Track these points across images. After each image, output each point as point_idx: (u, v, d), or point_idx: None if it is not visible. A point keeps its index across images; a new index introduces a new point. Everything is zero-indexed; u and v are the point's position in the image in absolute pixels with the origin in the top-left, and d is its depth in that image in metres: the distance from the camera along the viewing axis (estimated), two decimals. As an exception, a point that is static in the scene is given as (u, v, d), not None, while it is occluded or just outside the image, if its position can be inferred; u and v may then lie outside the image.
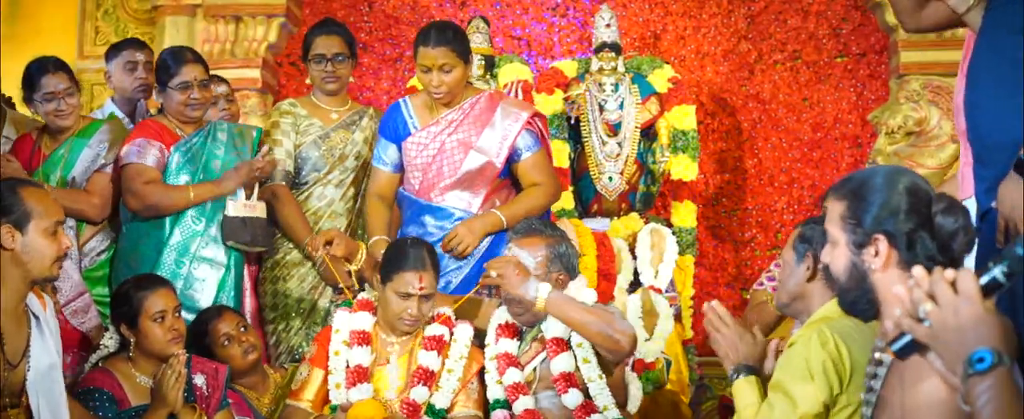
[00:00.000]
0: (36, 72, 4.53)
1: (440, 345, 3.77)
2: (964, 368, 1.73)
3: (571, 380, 3.61)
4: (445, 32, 4.24)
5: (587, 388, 3.61)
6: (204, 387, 3.80)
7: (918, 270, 1.86)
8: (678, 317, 5.51)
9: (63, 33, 6.91)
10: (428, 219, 4.36)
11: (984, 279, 1.78)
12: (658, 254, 5.45)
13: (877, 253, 2.19)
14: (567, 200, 5.76)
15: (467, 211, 4.33)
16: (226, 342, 4.07)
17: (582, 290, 3.78)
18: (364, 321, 3.85)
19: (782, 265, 2.98)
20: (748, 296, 4.54)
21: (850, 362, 2.56)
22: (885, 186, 2.23)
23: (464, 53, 4.27)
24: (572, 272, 3.81)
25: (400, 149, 4.40)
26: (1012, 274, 1.79)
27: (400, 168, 4.45)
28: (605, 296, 5.36)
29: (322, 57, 4.69)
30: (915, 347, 1.87)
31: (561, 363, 3.63)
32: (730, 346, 2.90)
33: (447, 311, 3.88)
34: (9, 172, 4.21)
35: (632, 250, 5.55)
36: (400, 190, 4.49)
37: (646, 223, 5.68)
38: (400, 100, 4.51)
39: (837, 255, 2.29)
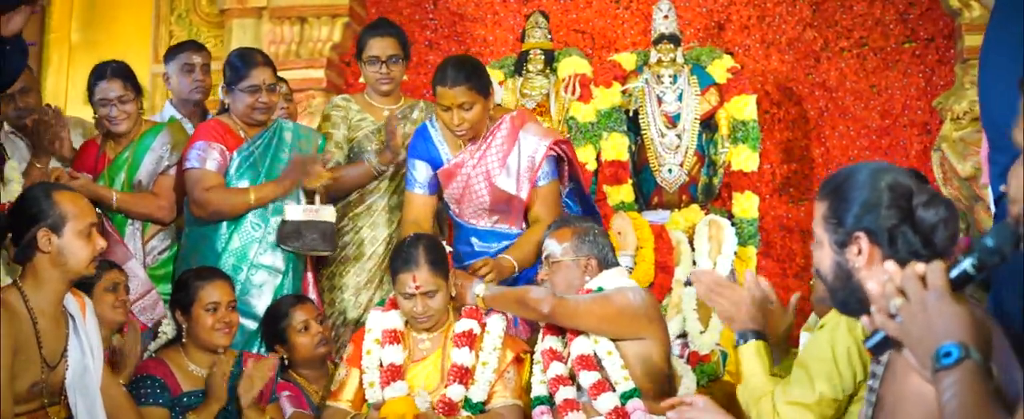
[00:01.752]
0: (94, 77, 4.63)
1: (471, 340, 3.80)
2: (932, 362, 1.71)
3: (586, 362, 3.69)
4: (462, 70, 4.17)
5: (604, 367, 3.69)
6: (257, 379, 3.93)
7: (890, 265, 1.86)
8: (738, 309, 5.46)
9: (138, 37, 7.08)
10: (474, 240, 4.42)
11: (954, 272, 1.77)
12: (716, 245, 5.41)
13: (860, 251, 2.18)
14: (627, 193, 5.74)
15: (511, 226, 4.36)
16: (302, 329, 4.19)
17: (619, 278, 3.88)
18: (395, 320, 3.90)
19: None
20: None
21: None
22: (865, 184, 2.22)
23: (483, 89, 4.19)
24: (604, 261, 3.89)
25: (433, 170, 4.39)
26: (982, 266, 1.77)
27: (433, 189, 4.43)
28: (662, 288, 5.36)
29: (376, 59, 4.72)
30: (889, 344, 1.86)
31: (579, 346, 3.72)
32: (734, 308, 2.85)
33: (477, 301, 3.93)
34: (77, 187, 4.36)
35: (692, 242, 5.52)
36: (447, 211, 4.53)
37: (706, 214, 5.64)
38: (425, 123, 4.46)
39: (822, 256, 2.28)
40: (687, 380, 4.86)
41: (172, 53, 5.18)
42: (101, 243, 3.27)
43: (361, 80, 4.89)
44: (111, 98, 4.57)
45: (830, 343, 2.59)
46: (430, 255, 3.79)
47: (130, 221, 4.60)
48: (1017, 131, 1.50)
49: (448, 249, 4.01)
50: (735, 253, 5.51)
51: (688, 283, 5.31)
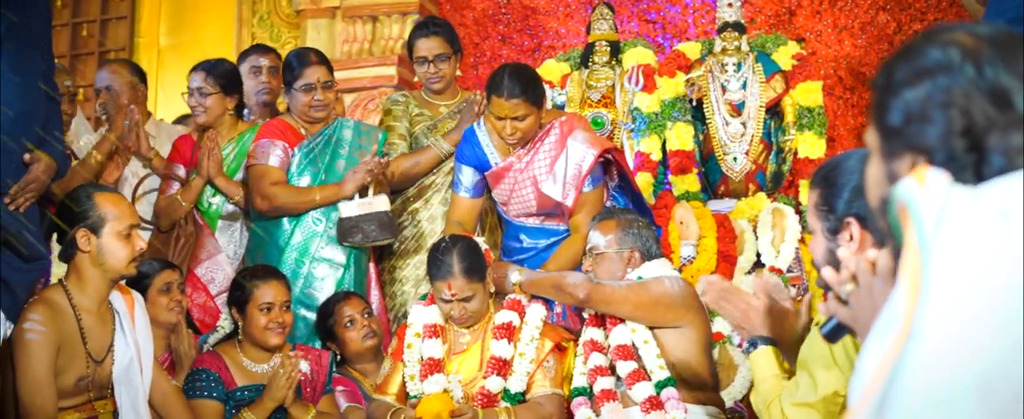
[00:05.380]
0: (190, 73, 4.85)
1: (510, 332, 3.84)
2: None
3: (624, 351, 3.71)
4: (518, 82, 4.16)
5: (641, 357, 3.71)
6: (309, 373, 4.03)
7: (843, 252, 1.86)
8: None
9: (222, 41, 7.28)
10: (522, 236, 4.46)
11: None
12: (779, 233, 5.37)
13: (851, 237, 2.17)
14: (693, 182, 5.73)
15: (559, 224, 4.39)
16: (349, 324, 4.26)
17: (660, 268, 3.89)
18: (436, 314, 3.96)
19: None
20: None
21: None
22: (855, 169, 2.21)
23: (538, 100, 4.21)
24: (647, 253, 3.90)
25: (481, 174, 4.44)
26: None
27: (479, 193, 4.49)
28: (725, 278, 5.31)
29: (424, 60, 4.77)
30: (843, 330, 1.87)
31: (618, 336, 3.74)
32: (742, 317, 2.85)
33: (517, 295, 3.96)
34: (213, 165, 4.59)
35: (756, 231, 5.48)
36: (496, 208, 4.59)
37: (772, 202, 5.59)
38: (472, 127, 4.49)
39: (816, 244, 2.29)
40: (743, 369, 4.86)
41: (242, 57, 5.32)
42: (141, 244, 3.38)
43: (416, 79, 4.95)
44: (192, 89, 4.77)
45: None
46: (464, 262, 3.83)
47: (222, 216, 4.76)
48: (868, 132, 1.52)
49: (485, 246, 4.06)
50: (802, 240, 5.45)
51: (749, 272, 5.30)
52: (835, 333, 1.88)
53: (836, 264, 2.21)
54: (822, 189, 2.27)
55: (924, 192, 1.25)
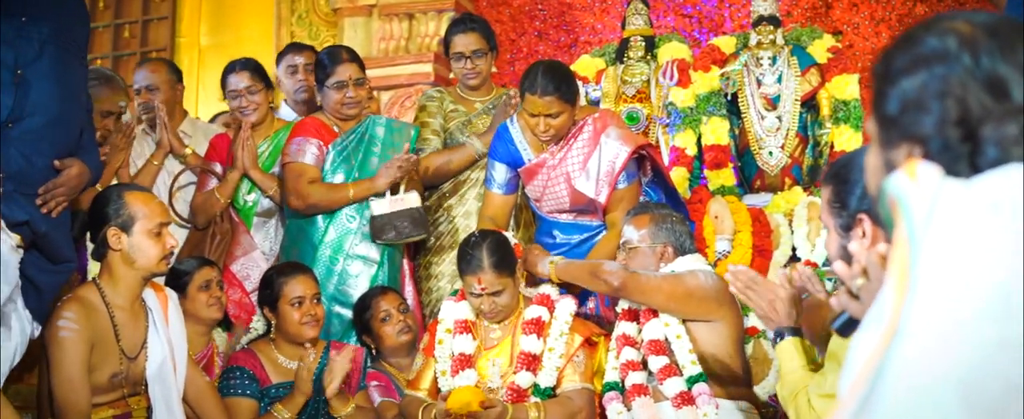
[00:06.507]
0: (225, 73, 4.87)
1: (539, 327, 3.85)
2: None
3: (657, 346, 3.71)
4: (552, 80, 4.13)
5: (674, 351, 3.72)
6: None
7: (853, 246, 1.86)
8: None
9: (262, 40, 7.34)
10: (556, 232, 4.46)
11: None
12: (815, 227, 5.34)
13: (864, 233, 2.17)
14: (728, 177, 5.71)
15: (593, 219, 4.39)
16: (385, 318, 4.29)
17: (693, 263, 3.89)
18: (467, 310, 3.99)
19: None
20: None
21: None
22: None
23: (571, 97, 4.19)
24: (680, 248, 3.90)
25: (514, 171, 4.45)
26: None
27: (512, 189, 4.50)
28: (761, 272, 5.29)
29: (461, 55, 4.79)
30: (855, 324, 1.86)
31: (651, 330, 3.74)
32: (768, 307, 2.86)
33: (547, 290, 3.98)
34: (247, 157, 4.62)
35: (791, 225, 5.45)
36: (530, 204, 4.59)
37: (808, 196, 5.56)
38: (505, 124, 4.49)
39: (829, 240, 2.29)
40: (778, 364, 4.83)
41: (280, 56, 5.36)
42: (172, 242, 3.43)
43: (451, 75, 4.97)
44: (240, 89, 4.79)
45: None
46: (493, 256, 3.84)
47: (257, 213, 4.79)
48: (867, 121, 1.51)
49: (514, 240, 4.07)
50: (837, 234, 5.41)
51: (785, 265, 5.27)
52: (847, 327, 1.89)
53: (849, 259, 2.21)
54: (834, 186, 2.28)
55: (915, 186, 1.24)
